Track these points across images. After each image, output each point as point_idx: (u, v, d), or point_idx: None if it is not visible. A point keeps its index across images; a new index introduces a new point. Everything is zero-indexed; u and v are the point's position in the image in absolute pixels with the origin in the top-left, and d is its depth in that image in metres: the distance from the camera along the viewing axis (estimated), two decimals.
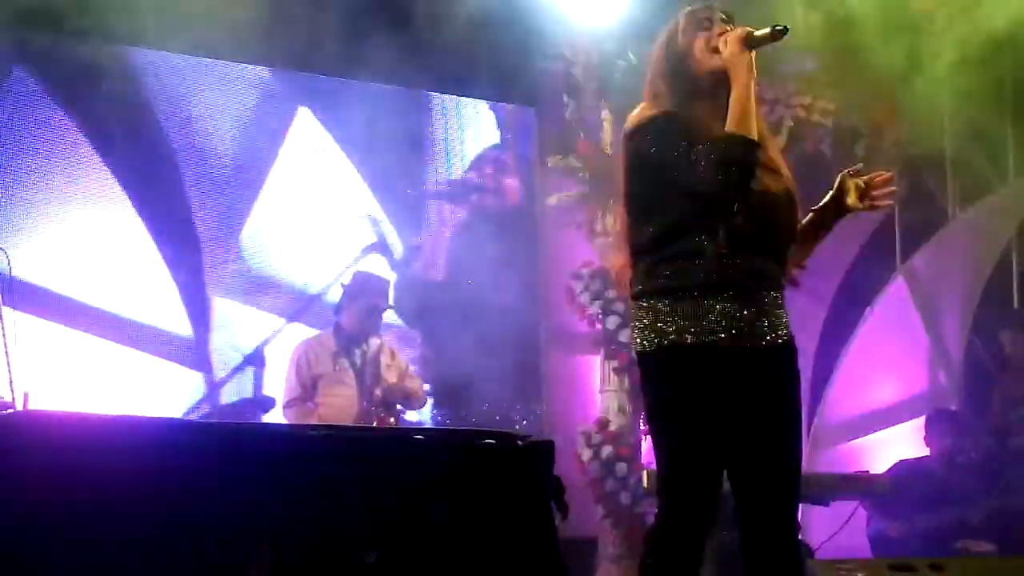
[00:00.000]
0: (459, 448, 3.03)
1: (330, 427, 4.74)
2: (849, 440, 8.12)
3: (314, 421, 6.58)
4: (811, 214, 3.77)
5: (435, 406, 7.54)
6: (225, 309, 7.26)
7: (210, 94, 7.33)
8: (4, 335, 5.66)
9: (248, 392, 7.20)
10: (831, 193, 3.77)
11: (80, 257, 6.84)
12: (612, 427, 7.49)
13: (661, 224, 3.50)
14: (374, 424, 6.49)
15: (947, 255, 8.37)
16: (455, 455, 3.00)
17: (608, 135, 7.56)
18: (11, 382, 5.60)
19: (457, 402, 7.73)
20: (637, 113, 3.60)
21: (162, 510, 2.93)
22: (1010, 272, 8.42)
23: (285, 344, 7.11)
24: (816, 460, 7.76)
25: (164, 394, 6.92)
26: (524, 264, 7.91)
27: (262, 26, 6.78)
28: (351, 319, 6.71)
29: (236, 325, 7.27)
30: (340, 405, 6.61)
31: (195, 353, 7.17)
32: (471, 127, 8.16)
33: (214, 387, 7.18)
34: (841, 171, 3.82)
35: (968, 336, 8.27)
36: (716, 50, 3.55)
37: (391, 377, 6.68)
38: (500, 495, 2.97)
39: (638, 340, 3.54)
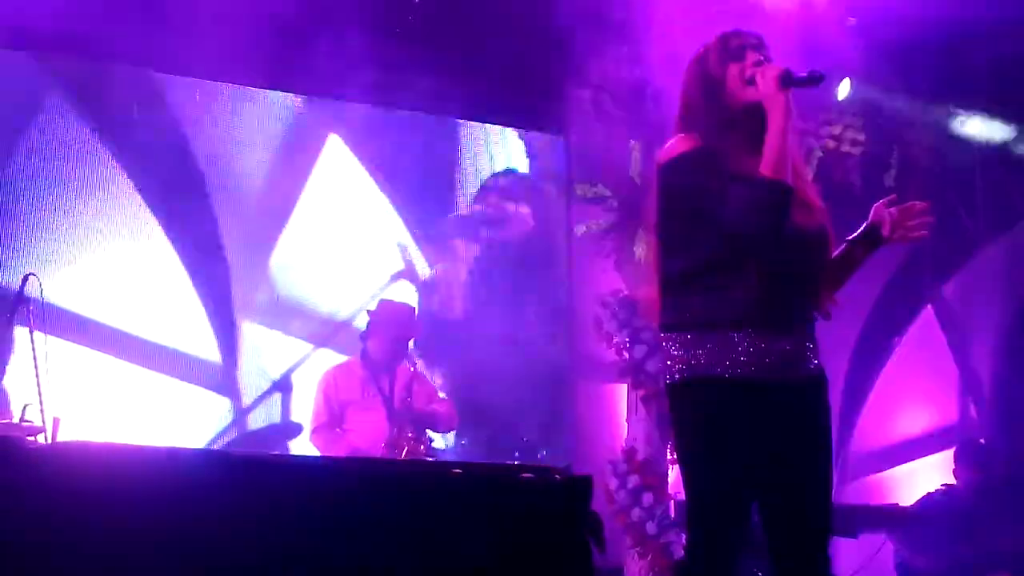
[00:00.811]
0: (497, 482, 3.02)
1: (368, 460, 4.72)
2: (878, 471, 8.09)
3: (342, 447, 6.58)
4: (844, 246, 3.73)
5: (459, 434, 7.53)
6: (253, 335, 7.29)
7: (241, 121, 7.37)
8: (36, 360, 5.69)
9: (276, 418, 7.23)
10: (865, 225, 3.73)
11: (110, 283, 6.88)
12: (639, 456, 7.45)
13: (693, 258, 3.48)
14: (404, 450, 6.49)
15: (977, 284, 8.35)
16: (493, 489, 2.99)
17: (637, 164, 7.55)
18: (42, 407, 5.62)
19: (482, 429, 7.72)
20: (672, 145, 3.56)
21: (196, 543, 2.92)
22: None
23: (313, 370, 7.12)
24: (845, 491, 7.72)
25: (192, 419, 6.94)
26: (548, 292, 7.89)
27: (292, 53, 6.81)
28: (377, 347, 6.71)
29: (264, 351, 7.30)
30: (369, 432, 6.60)
31: (223, 379, 7.19)
32: (500, 155, 8.15)
33: (242, 413, 7.20)
34: (870, 201, 3.78)
35: (999, 366, 8.23)
36: (751, 80, 3.52)
37: (420, 403, 6.68)
38: (538, 530, 2.97)
39: (667, 371, 3.52)
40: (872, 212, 3.72)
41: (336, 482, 2.98)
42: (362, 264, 7.61)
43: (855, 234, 3.71)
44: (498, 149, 8.16)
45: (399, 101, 7.50)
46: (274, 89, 7.44)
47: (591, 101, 7.75)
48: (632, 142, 7.69)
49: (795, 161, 3.54)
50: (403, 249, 7.75)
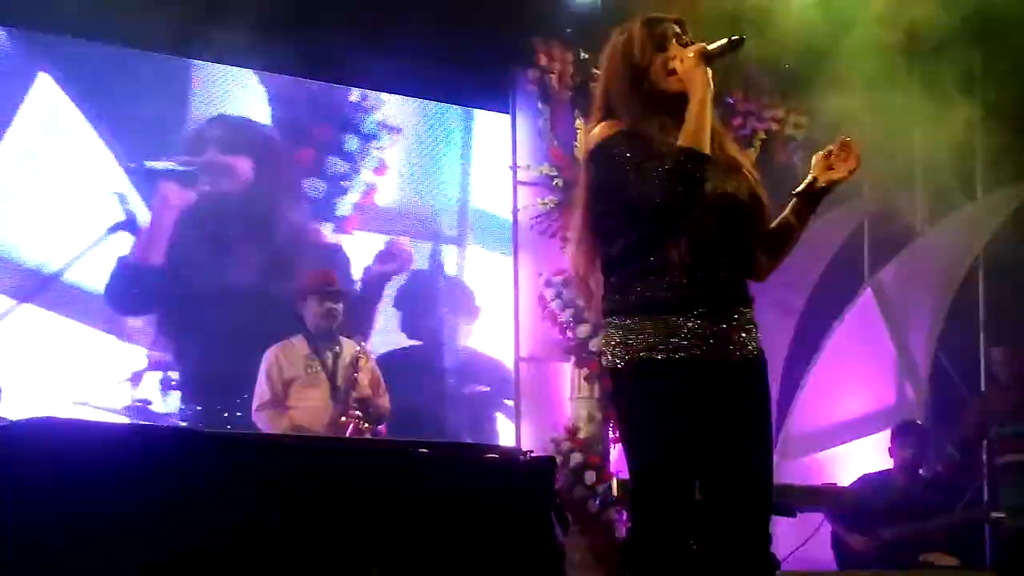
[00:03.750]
0: (463, 462, 3.03)
1: (334, 440, 4.71)
2: (816, 452, 8.18)
3: (285, 424, 6.56)
4: (787, 208, 3.73)
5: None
6: None
7: None
8: None
9: None
10: (810, 177, 3.70)
11: None
12: (581, 435, 7.51)
13: (627, 240, 3.51)
14: (349, 428, 6.48)
15: (915, 270, 8.47)
16: (459, 469, 3.00)
17: (582, 144, 7.57)
18: None
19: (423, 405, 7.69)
20: (596, 132, 3.59)
21: (155, 524, 2.89)
22: (977, 288, 8.53)
23: (16, 327, 6.69)
24: (783, 471, 7.79)
25: None
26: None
27: None
28: (311, 319, 6.70)
29: None
30: (313, 408, 6.58)
31: None
32: (238, 99, 7.55)
33: None
34: None
35: (935, 350, 8.37)
36: (673, 71, 3.55)
37: (364, 380, 6.66)
38: (503, 509, 2.98)
39: (609, 356, 3.54)
40: (813, 163, 3.71)
41: (299, 460, 2.97)
42: (75, 214, 7.02)
43: (800, 187, 3.69)
44: (236, 93, 7.55)
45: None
46: None
47: (536, 81, 7.77)
48: (577, 122, 7.72)
49: (719, 131, 3.57)
50: (122, 198, 7.18)
